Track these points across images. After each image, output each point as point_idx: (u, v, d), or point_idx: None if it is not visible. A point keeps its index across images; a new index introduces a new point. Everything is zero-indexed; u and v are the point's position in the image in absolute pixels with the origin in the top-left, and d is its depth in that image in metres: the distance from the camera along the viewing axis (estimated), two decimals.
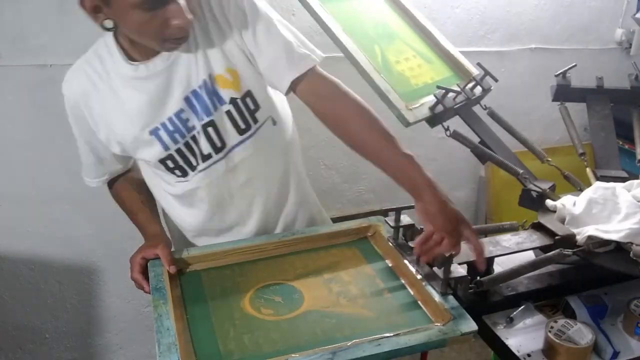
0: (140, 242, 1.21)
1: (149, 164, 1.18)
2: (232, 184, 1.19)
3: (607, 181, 1.28)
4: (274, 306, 1.01)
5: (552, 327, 1.01)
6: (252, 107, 1.13)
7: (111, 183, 1.30)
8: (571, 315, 1.09)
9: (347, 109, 1.07)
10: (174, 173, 1.17)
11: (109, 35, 1.09)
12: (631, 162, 1.48)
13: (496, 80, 1.50)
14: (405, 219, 1.17)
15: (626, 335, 1.06)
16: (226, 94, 1.10)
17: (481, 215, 2.60)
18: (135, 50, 1.08)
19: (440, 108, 1.36)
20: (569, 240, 1.14)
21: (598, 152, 1.45)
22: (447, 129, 1.38)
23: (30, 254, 1.87)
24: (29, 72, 1.68)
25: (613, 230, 1.12)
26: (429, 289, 1.01)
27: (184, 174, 1.16)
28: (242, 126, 1.13)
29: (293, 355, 0.87)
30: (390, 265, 1.12)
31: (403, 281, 1.07)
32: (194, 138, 1.12)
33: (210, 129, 1.12)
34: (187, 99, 1.10)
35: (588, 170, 1.40)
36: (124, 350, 2.15)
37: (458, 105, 1.41)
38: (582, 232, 1.14)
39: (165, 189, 1.22)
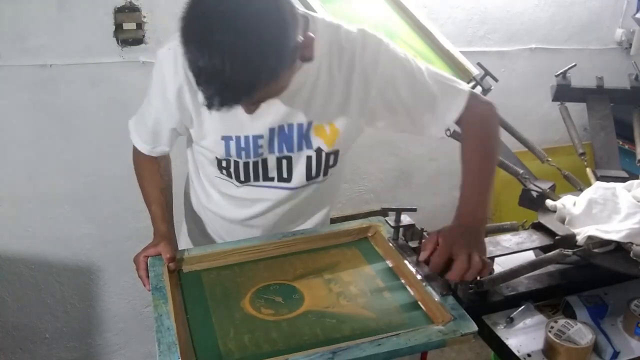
0: (139, 241, 1.20)
1: (204, 154, 1.17)
2: (279, 211, 1.22)
3: (607, 181, 1.28)
4: (274, 306, 1.01)
5: (552, 327, 1.01)
6: (331, 163, 1.17)
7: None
8: (571, 315, 1.09)
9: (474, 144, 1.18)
10: (221, 173, 1.17)
11: None
12: (631, 162, 1.48)
13: (496, 80, 1.51)
14: (406, 219, 1.17)
15: (626, 335, 1.06)
16: (316, 142, 1.13)
17: None
18: None
19: None
20: (569, 240, 1.14)
21: (598, 152, 1.45)
22: (447, 129, 1.38)
23: (30, 254, 1.87)
24: (29, 72, 1.68)
25: (613, 230, 1.12)
26: (429, 289, 1.01)
27: (229, 177, 1.17)
28: (313, 175, 1.17)
29: (293, 355, 0.87)
30: (390, 265, 1.12)
31: (403, 281, 1.07)
32: (264, 161, 1.14)
33: (284, 161, 1.14)
34: (271, 130, 1.10)
35: (588, 170, 1.40)
36: (124, 350, 2.15)
37: None
38: (582, 232, 1.14)
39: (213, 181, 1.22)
